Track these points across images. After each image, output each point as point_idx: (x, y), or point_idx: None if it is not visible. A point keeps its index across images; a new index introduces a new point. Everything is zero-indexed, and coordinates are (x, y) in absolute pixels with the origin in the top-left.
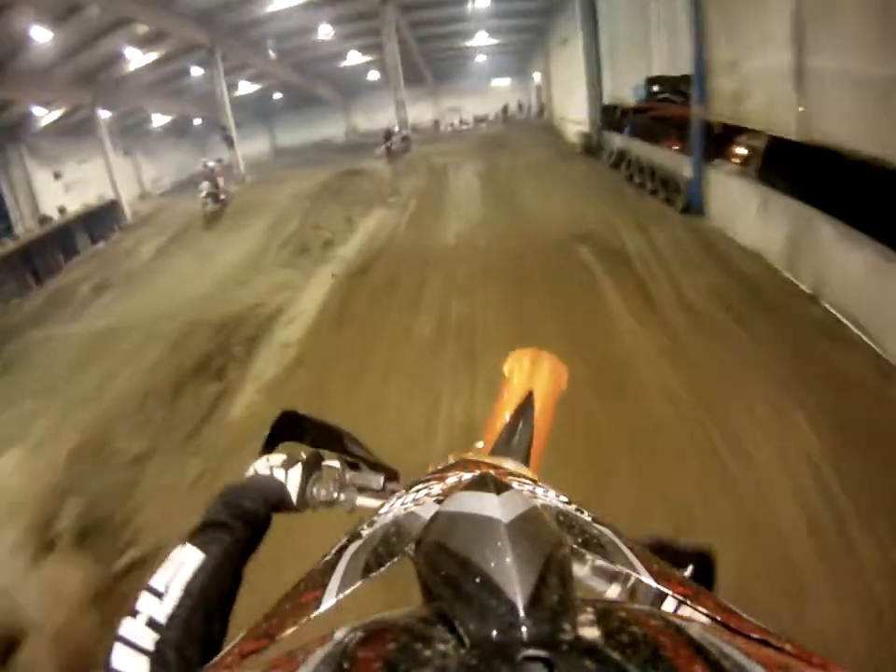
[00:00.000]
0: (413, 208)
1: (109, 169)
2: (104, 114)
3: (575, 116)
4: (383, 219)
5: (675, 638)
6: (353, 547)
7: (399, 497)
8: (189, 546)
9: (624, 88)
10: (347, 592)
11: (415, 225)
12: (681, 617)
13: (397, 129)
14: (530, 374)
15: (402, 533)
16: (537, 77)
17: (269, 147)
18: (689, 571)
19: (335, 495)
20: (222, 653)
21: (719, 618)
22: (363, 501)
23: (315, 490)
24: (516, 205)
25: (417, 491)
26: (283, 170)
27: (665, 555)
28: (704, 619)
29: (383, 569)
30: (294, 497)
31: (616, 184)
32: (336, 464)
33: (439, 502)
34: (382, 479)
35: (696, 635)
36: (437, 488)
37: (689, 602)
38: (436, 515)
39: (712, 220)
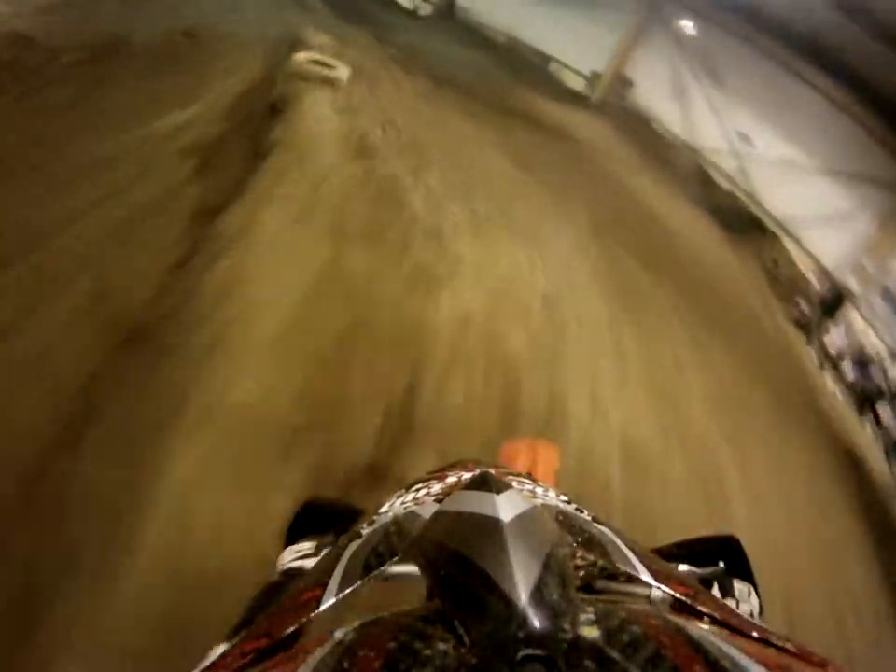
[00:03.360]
0: None
1: None
2: None
3: None
4: None
5: (675, 638)
6: (353, 546)
7: (399, 496)
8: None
9: None
10: (347, 591)
11: None
12: (681, 616)
13: None
14: (527, 460)
15: (402, 532)
16: None
17: None
18: (722, 564)
19: None
20: (223, 652)
21: (719, 617)
22: None
23: None
24: None
25: (417, 490)
26: None
27: (696, 552)
28: (704, 618)
29: (383, 569)
30: None
31: None
32: None
33: (439, 501)
34: None
35: (696, 634)
36: (437, 487)
37: (689, 601)
38: (436, 514)
39: None
